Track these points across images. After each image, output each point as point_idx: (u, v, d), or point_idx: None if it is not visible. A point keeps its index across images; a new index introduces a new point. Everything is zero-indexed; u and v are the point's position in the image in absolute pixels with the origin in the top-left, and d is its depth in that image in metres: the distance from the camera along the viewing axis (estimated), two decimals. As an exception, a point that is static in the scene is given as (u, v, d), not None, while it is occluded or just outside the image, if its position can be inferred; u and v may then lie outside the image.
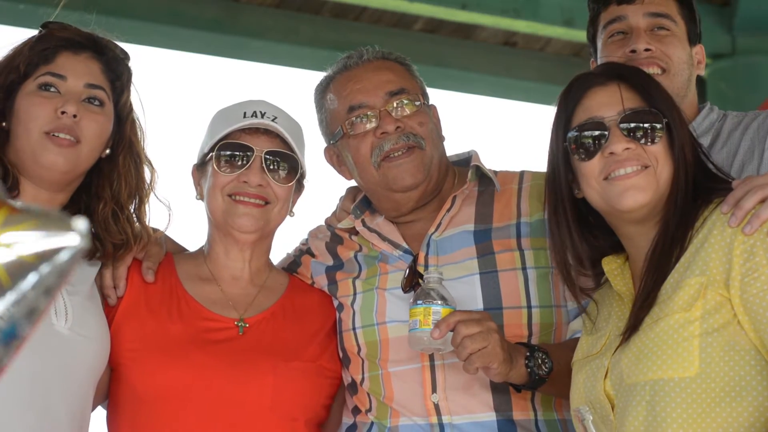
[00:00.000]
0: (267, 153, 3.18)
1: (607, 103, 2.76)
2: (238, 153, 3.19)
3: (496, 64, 7.54)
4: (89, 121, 3.02)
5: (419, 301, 2.95)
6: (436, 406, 3.11)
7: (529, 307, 3.16)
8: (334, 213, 3.49)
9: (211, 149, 3.21)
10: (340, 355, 3.27)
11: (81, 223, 1.57)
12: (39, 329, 2.82)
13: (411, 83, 3.30)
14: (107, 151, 3.09)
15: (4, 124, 3.03)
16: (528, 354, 2.95)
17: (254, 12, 6.96)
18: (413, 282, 3.16)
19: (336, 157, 3.35)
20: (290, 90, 6.33)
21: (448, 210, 3.27)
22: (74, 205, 3.09)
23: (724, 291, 2.56)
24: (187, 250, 3.38)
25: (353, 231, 3.38)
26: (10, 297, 1.55)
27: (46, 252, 1.55)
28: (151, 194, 3.19)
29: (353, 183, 3.41)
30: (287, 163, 3.20)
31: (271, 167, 3.18)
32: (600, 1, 3.44)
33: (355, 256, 3.34)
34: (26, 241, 1.55)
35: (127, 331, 3.12)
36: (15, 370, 2.80)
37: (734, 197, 2.63)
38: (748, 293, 2.54)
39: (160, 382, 3.07)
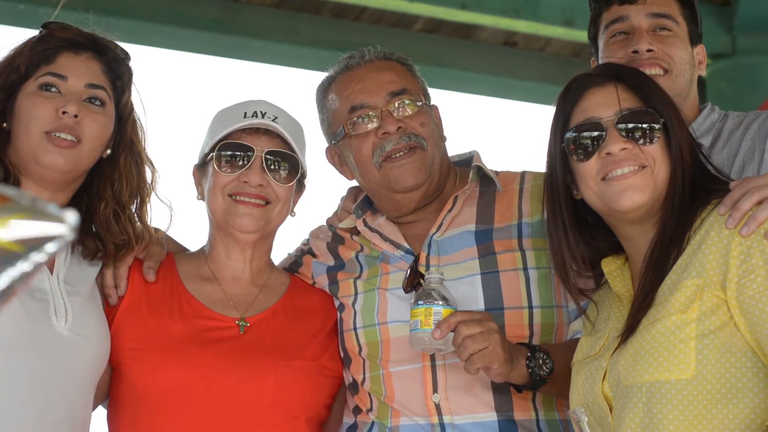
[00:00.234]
0: (267, 153, 3.18)
1: (604, 104, 2.75)
2: (238, 153, 3.18)
3: (496, 64, 7.54)
4: (90, 121, 3.01)
5: (420, 302, 2.95)
6: (437, 406, 3.11)
7: (531, 307, 3.16)
8: (336, 213, 3.49)
9: (212, 149, 3.21)
10: (341, 354, 3.27)
11: (71, 215, 1.57)
12: (39, 329, 2.86)
13: (413, 83, 3.30)
14: (108, 151, 3.09)
15: (4, 124, 3.02)
16: (529, 354, 2.95)
17: (254, 12, 6.95)
18: (414, 282, 3.16)
19: (337, 157, 3.35)
20: (290, 90, 6.34)
21: (450, 210, 3.26)
22: (75, 206, 3.08)
23: (720, 293, 2.56)
24: (188, 250, 3.38)
25: (354, 231, 3.38)
26: None
27: (32, 240, 1.55)
28: (153, 194, 3.19)
29: (354, 183, 3.41)
30: (288, 163, 3.20)
31: (272, 167, 3.18)
32: (602, 1, 3.43)
33: (357, 256, 3.34)
34: (14, 229, 1.55)
35: (127, 331, 3.12)
36: (15, 370, 2.83)
37: (732, 198, 2.63)
38: (745, 295, 2.53)
39: (160, 381, 3.07)
